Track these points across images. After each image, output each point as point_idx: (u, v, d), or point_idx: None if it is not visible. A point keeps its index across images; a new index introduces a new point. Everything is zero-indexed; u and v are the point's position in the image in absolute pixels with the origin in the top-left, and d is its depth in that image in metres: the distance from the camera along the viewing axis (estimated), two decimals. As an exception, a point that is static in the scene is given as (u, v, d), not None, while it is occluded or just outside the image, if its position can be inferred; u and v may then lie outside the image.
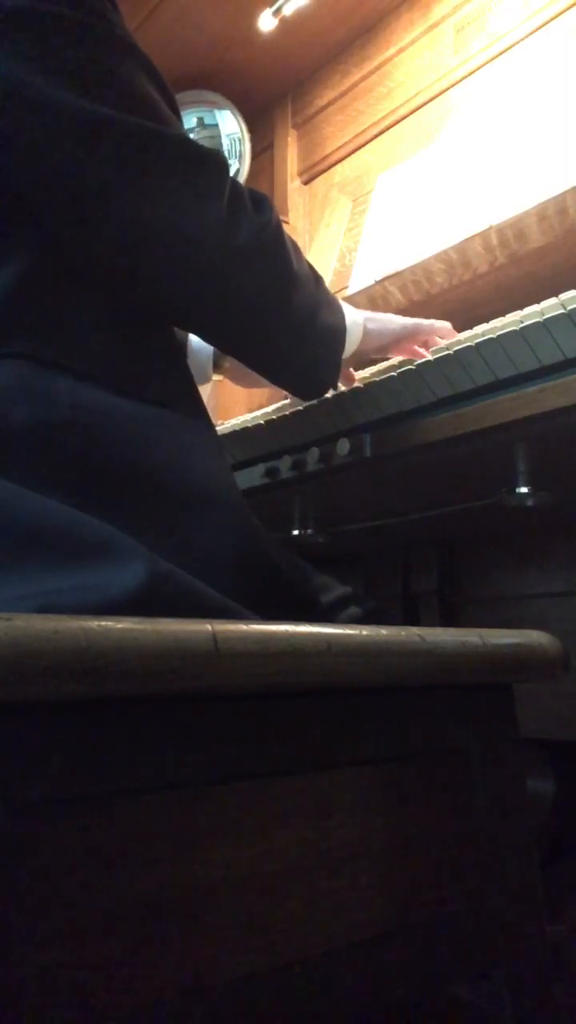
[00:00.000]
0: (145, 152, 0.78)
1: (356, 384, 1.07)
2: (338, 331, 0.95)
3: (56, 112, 0.75)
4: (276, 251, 0.85)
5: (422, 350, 1.08)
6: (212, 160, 0.83)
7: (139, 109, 0.79)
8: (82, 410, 0.74)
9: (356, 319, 1.01)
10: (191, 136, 2.00)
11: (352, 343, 1.00)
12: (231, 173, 0.85)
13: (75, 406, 0.74)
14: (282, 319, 0.87)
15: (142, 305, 0.84)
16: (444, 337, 1.08)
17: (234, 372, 1.23)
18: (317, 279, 0.93)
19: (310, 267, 0.92)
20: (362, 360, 1.09)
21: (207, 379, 1.20)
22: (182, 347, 0.91)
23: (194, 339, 1.19)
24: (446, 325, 1.10)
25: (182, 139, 0.81)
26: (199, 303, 0.83)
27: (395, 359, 1.13)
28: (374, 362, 1.16)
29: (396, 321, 1.08)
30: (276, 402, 1.34)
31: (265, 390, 1.49)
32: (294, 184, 1.99)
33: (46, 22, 0.77)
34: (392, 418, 1.03)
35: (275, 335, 0.88)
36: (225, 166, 0.84)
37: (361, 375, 1.13)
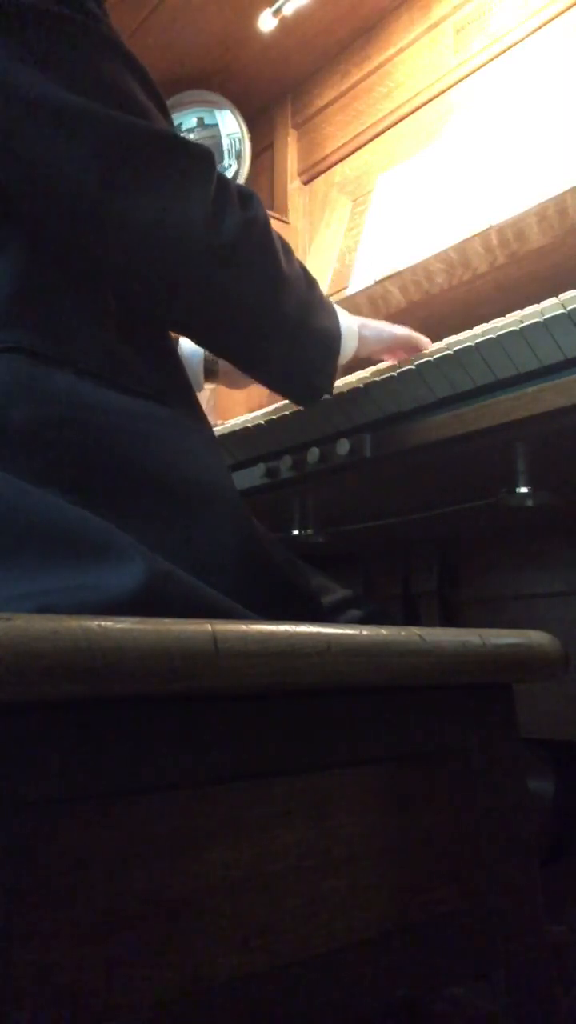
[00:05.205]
0: (123, 144, 0.77)
1: (356, 384, 1.07)
2: (332, 335, 0.93)
3: (31, 101, 0.75)
4: (263, 249, 0.83)
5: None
6: (197, 154, 0.81)
7: (119, 103, 0.78)
8: (81, 406, 0.74)
9: (351, 325, 0.99)
10: (191, 136, 2.00)
11: (348, 350, 0.98)
12: (231, 173, 0.84)
13: (73, 402, 0.74)
14: (270, 318, 0.85)
15: (136, 303, 0.83)
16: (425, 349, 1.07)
17: (227, 378, 1.23)
18: (309, 281, 0.91)
19: (302, 268, 0.90)
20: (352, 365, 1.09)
21: (199, 388, 1.19)
22: (176, 347, 0.91)
23: (184, 347, 1.18)
24: (426, 340, 1.10)
25: (164, 133, 0.80)
26: (183, 302, 0.82)
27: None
28: (372, 362, 1.16)
29: (389, 329, 1.07)
30: (276, 402, 1.34)
31: (264, 390, 1.48)
32: (294, 184, 1.99)
33: (25, 14, 0.76)
34: (392, 418, 1.03)
35: (264, 335, 0.87)
36: (211, 161, 0.82)
37: (361, 375, 1.13)
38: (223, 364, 1.21)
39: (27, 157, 0.76)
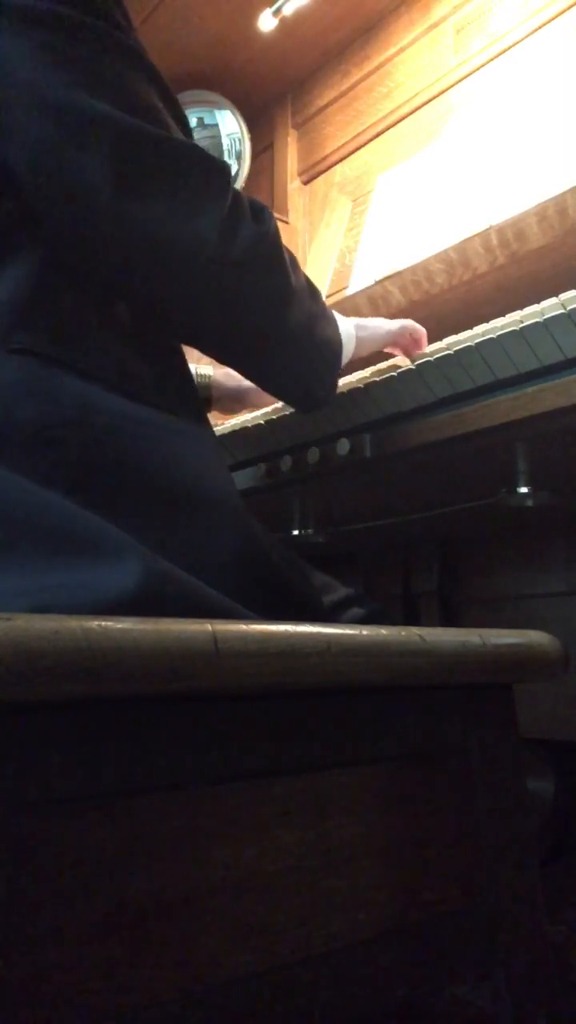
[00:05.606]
0: (140, 153, 0.77)
1: (356, 384, 1.07)
2: (335, 345, 0.95)
3: (50, 103, 0.75)
4: (273, 262, 0.85)
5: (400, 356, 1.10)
6: (213, 167, 0.82)
7: (138, 113, 0.78)
8: (87, 409, 0.74)
9: (349, 330, 1.01)
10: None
11: (346, 354, 1.00)
12: (231, 174, 0.84)
13: (80, 405, 0.74)
14: (279, 330, 0.87)
15: (145, 311, 0.84)
16: (421, 341, 1.09)
17: (219, 406, 1.24)
18: (314, 292, 0.93)
19: (307, 280, 0.92)
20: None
21: None
22: (183, 353, 0.92)
23: None
24: (421, 330, 1.11)
25: (182, 143, 0.81)
26: (195, 311, 0.83)
27: (394, 359, 1.13)
28: (372, 362, 1.16)
29: (383, 327, 1.08)
30: (276, 402, 1.34)
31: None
32: (294, 184, 1.99)
33: (50, 21, 0.77)
34: (392, 418, 1.03)
35: (272, 346, 0.88)
36: (227, 174, 0.84)
37: (361, 375, 1.13)
38: (216, 391, 1.23)
39: (44, 158, 0.76)
